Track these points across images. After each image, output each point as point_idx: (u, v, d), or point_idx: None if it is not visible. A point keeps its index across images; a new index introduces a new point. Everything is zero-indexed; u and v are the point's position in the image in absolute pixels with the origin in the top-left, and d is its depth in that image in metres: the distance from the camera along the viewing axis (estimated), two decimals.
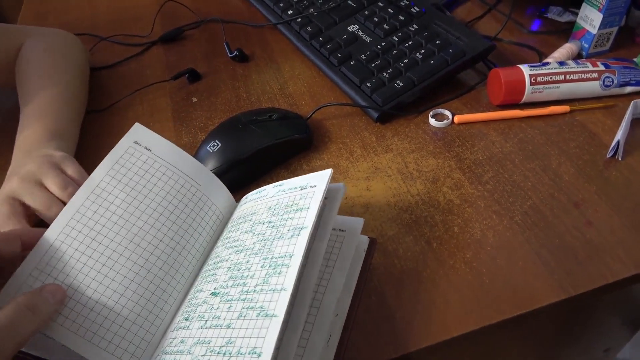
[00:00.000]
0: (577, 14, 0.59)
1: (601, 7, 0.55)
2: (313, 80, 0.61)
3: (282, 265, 0.32)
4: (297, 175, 0.43)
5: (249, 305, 0.31)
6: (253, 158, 0.48)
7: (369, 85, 0.55)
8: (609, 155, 0.47)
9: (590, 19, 0.57)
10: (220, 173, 0.45)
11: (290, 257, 0.32)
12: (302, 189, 0.37)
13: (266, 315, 0.30)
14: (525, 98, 0.52)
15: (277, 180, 0.49)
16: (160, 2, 0.79)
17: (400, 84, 0.54)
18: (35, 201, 0.42)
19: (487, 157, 0.49)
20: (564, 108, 0.52)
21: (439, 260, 0.41)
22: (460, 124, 0.53)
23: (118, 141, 0.40)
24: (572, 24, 0.61)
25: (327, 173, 0.37)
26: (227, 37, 0.70)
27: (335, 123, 0.55)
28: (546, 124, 0.52)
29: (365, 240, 0.40)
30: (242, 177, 0.48)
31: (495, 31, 0.64)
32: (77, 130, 0.53)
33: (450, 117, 0.53)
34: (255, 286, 0.32)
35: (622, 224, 0.42)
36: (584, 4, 0.57)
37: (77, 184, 0.42)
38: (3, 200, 0.42)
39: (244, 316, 0.31)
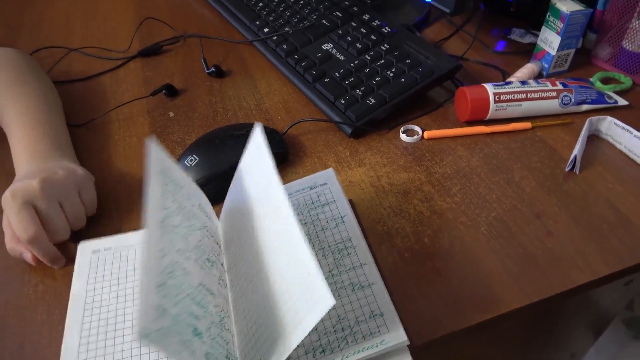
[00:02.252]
0: (538, 36, 0.63)
1: (559, 30, 0.59)
2: (289, 96, 0.63)
3: (346, 248, 0.41)
4: None
5: (333, 288, 0.38)
6: (230, 172, 0.49)
7: (342, 101, 0.57)
8: (567, 169, 0.50)
9: (550, 41, 0.60)
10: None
11: (350, 239, 0.41)
12: (312, 189, 0.46)
13: (362, 287, 0.38)
14: (490, 115, 0.55)
15: None
16: (140, 18, 0.80)
17: (373, 100, 0.56)
18: (50, 217, 0.43)
19: (455, 171, 0.51)
20: (526, 125, 0.55)
21: (410, 270, 0.42)
22: (429, 139, 0.55)
23: (97, 158, 0.41)
24: (533, 45, 0.65)
25: (330, 171, 0.46)
26: (205, 53, 0.71)
27: (310, 138, 0.57)
28: (510, 140, 0.55)
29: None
30: (219, 190, 0.49)
31: (462, 51, 0.67)
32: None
33: (420, 132, 0.56)
34: (330, 271, 0.39)
35: (580, 234, 0.45)
36: (543, 27, 0.61)
37: (87, 212, 0.46)
38: (22, 204, 0.41)
39: (338, 295, 0.37)
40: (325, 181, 0.46)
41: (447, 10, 0.57)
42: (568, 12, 0.57)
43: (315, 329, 0.36)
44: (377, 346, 0.34)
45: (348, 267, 0.40)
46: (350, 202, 0.48)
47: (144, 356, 0.36)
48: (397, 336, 0.35)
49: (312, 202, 0.45)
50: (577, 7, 0.57)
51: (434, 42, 0.71)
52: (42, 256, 0.42)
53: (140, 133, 0.59)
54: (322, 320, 0.36)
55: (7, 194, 0.42)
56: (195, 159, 0.49)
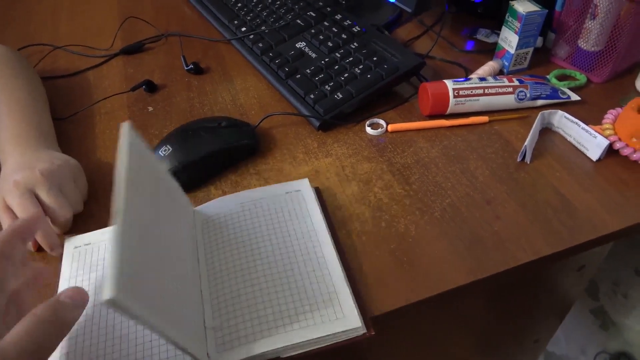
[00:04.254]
0: None
1: (517, 30, 0.62)
2: (263, 92, 0.66)
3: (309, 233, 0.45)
4: (245, 178, 0.52)
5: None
6: (202, 161, 0.52)
7: (312, 96, 0.60)
8: (519, 159, 0.54)
9: (509, 40, 0.64)
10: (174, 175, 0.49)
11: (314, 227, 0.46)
12: (287, 193, 0.49)
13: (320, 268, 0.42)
14: (450, 109, 0.58)
15: (225, 183, 0.53)
16: (124, 17, 0.83)
17: (341, 95, 0.59)
18: (51, 201, 0.45)
19: (415, 161, 0.55)
20: (484, 118, 0.58)
21: (366, 251, 0.45)
22: (393, 132, 0.59)
23: (77, 150, 0.44)
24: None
25: (305, 181, 0.50)
26: (185, 51, 0.74)
27: (281, 131, 0.60)
28: (468, 132, 0.58)
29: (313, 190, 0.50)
30: (192, 179, 0.52)
31: (431, 50, 0.71)
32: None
33: (385, 126, 0.59)
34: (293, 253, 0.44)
35: (526, 218, 0.48)
36: (503, 27, 0.64)
37: (82, 198, 0.50)
38: (24, 190, 0.44)
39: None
40: (300, 188, 0.50)
41: (409, 10, 0.60)
42: (524, 13, 0.60)
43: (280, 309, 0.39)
44: (330, 332, 0.38)
45: (310, 250, 0.43)
46: (317, 189, 0.51)
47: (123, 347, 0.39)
48: (351, 322, 0.38)
49: (285, 208, 0.48)
50: (533, 7, 0.61)
51: (404, 41, 0.75)
52: (42, 238, 0.45)
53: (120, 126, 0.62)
54: (282, 300, 0.40)
55: (10, 183, 0.45)
56: (169, 149, 0.52)
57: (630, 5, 0.57)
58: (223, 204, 0.48)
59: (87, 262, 0.45)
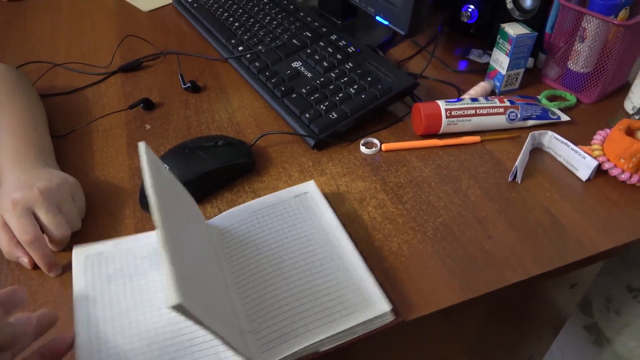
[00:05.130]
0: None
1: (508, 52, 0.63)
2: (259, 110, 0.67)
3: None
4: (240, 196, 0.54)
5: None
6: (199, 180, 0.53)
7: (307, 116, 0.61)
8: (510, 179, 0.55)
9: (500, 61, 0.65)
10: None
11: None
12: (296, 197, 0.51)
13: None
14: (442, 129, 0.60)
15: (221, 201, 0.54)
16: (122, 35, 0.84)
17: (335, 115, 0.60)
18: (49, 220, 0.46)
19: (408, 180, 0.56)
20: (476, 138, 0.60)
21: None
22: (387, 151, 0.60)
23: (76, 168, 0.45)
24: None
25: (311, 182, 0.52)
26: (183, 69, 0.76)
27: (277, 149, 0.61)
28: (460, 152, 0.59)
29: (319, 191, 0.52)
30: None
31: (425, 70, 0.72)
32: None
33: (379, 145, 0.60)
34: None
35: (516, 238, 0.49)
36: (495, 49, 0.66)
37: (80, 216, 0.50)
38: (22, 210, 0.45)
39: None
40: (306, 190, 0.52)
41: (403, 32, 0.61)
42: (515, 35, 0.62)
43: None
44: (364, 319, 0.40)
45: (328, 246, 0.46)
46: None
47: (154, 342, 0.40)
48: (381, 307, 0.40)
49: (295, 210, 0.50)
50: (524, 30, 0.62)
51: (398, 61, 0.76)
52: (40, 259, 0.45)
53: (118, 144, 0.62)
54: (312, 297, 0.42)
55: (8, 202, 0.45)
56: (166, 168, 0.52)
57: (617, 29, 0.58)
58: (235, 215, 0.50)
59: (104, 272, 0.45)
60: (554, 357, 1.02)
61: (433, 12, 0.88)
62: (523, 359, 0.77)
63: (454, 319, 0.57)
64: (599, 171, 0.54)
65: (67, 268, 0.47)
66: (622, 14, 0.57)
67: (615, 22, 0.57)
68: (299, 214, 0.49)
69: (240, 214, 0.50)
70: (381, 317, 0.40)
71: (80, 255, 0.47)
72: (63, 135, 0.64)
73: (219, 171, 0.54)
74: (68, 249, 0.49)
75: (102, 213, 0.53)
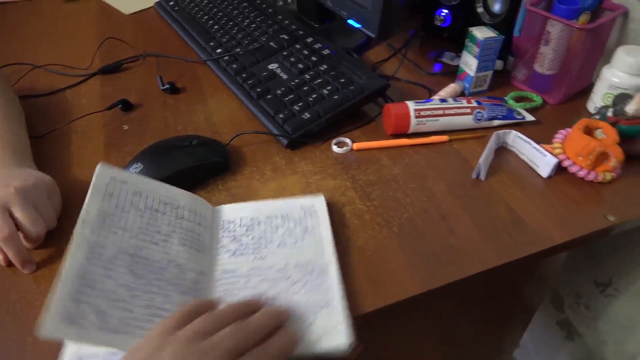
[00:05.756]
0: None
1: (476, 54, 0.66)
2: (236, 111, 0.69)
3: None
4: (214, 195, 0.55)
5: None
6: (172, 178, 0.54)
7: (281, 116, 0.63)
8: (474, 176, 0.57)
9: (469, 64, 0.68)
10: None
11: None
12: (302, 207, 0.52)
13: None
14: (412, 129, 0.62)
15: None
16: (103, 38, 0.85)
17: (308, 115, 0.62)
18: (25, 218, 0.47)
19: (377, 178, 0.57)
20: (444, 138, 0.62)
21: None
22: (358, 150, 0.61)
23: (53, 167, 0.46)
24: None
25: (320, 197, 0.53)
26: (162, 71, 0.77)
27: (251, 149, 0.62)
28: (428, 151, 0.61)
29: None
30: None
31: (398, 72, 0.74)
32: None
33: (350, 144, 0.62)
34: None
35: (477, 232, 0.51)
36: (464, 51, 0.68)
37: (56, 214, 0.51)
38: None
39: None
40: (313, 203, 0.52)
41: (373, 35, 0.63)
42: (482, 39, 0.64)
43: None
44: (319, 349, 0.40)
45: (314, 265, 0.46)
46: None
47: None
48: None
49: (300, 220, 0.51)
50: (491, 34, 0.65)
51: (373, 64, 0.78)
52: (14, 256, 0.46)
53: (95, 144, 0.64)
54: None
55: None
56: (140, 167, 0.54)
57: (579, 33, 0.61)
58: (242, 209, 0.52)
59: (128, 201, 0.46)
60: (529, 352, 1.04)
61: (409, 16, 0.90)
62: (495, 352, 0.79)
63: (422, 315, 0.59)
64: (560, 168, 0.57)
65: (41, 265, 0.49)
66: (583, 18, 0.60)
67: (577, 26, 0.60)
68: (299, 225, 0.50)
69: (246, 210, 0.52)
70: (339, 350, 0.40)
71: (105, 173, 0.47)
72: (42, 136, 0.65)
73: (192, 169, 0.56)
74: (43, 246, 0.50)
75: (78, 211, 0.54)
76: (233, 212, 0.52)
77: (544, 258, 0.50)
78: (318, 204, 0.52)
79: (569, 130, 0.59)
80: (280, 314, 0.40)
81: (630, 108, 0.55)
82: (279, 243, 0.48)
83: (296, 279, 0.45)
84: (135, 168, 0.54)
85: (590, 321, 0.86)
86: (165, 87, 0.72)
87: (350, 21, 0.66)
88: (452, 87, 0.68)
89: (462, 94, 0.70)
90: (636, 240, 0.72)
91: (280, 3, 0.95)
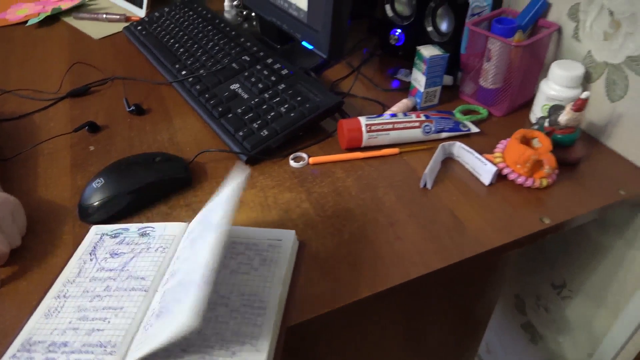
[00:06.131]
0: None
1: (424, 71, 0.70)
2: (199, 130, 0.72)
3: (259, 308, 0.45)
4: (175, 210, 0.58)
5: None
6: (133, 193, 0.57)
7: (241, 134, 0.66)
8: (421, 186, 0.60)
9: (419, 80, 0.72)
10: (101, 206, 0.54)
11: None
12: (268, 240, 0.51)
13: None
14: (364, 143, 0.65)
15: (157, 215, 0.58)
16: (72, 62, 0.88)
17: (266, 132, 0.65)
18: None
19: (331, 190, 0.61)
20: (394, 150, 0.65)
21: None
22: (314, 164, 0.65)
23: (19, 188, 0.49)
24: None
25: (291, 233, 0.52)
26: (130, 94, 0.80)
27: (213, 166, 0.65)
28: (380, 163, 0.65)
29: (296, 245, 0.52)
30: (123, 209, 0.57)
31: (355, 89, 0.78)
32: None
33: (307, 159, 0.65)
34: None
35: (422, 238, 0.54)
36: (413, 68, 0.72)
37: (21, 234, 0.54)
38: None
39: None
40: (281, 238, 0.52)
41: (325, 56, 0.67)
42: (428, 57, 0.68)
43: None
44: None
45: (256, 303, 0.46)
46: (301, 243, 0.53)
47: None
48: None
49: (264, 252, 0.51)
50: (437, 52, 0.69)
51: (332, 82, 0.82)
52: None
53: (62, 165, 0.66)
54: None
55: None
56: (102, 181, 0.57)
57: (517, 49, 0.65)
58: None
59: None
60: (498, 357, 1.07)
61: (367, 36, 0.95)
62: (458, 352, 0.82)
63: (375, 320, 0.62)
64: (501, 176, 0.60)
65: (5, 282, 0.51)
66: (517, 36, 0.64)
67: (513, 44, 0.64)
68: (259, 258, 0.50)
69: None
70: None
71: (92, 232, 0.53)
72: (9, 159, 0.67)
73: (154, 185, 0.58)
74: (7, 264, 0.52)
75: (42, 230, 0.57)
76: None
77: (483, 260, 0.53)
78: (286, 239, 0.52)
79: (509, 140, 0.63)
80: None
81: (562, 118, 0.60)
82: (232, 270, 0.49)
83: (235, 308, 0.45)
84: (97, 183, 0.57)
85: (550, 323, 0.90)
86: (131, 108, 0.75)
87: (304, 43, 0.70)
88: (404, 103, 0.72)
89: (414, 109, 0.74)
90: (586, 241, 0.76)
91: (246, 26, 0.99)
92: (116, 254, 0.51)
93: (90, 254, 0.51)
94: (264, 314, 0.45)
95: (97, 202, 0.55)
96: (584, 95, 0.57)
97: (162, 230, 0.53)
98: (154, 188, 0.59)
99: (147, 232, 0.53)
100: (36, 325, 0.45)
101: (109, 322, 0.44)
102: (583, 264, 0.78)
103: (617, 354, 0.77)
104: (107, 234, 0.53)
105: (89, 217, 0.56)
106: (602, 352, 0.79)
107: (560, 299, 0.85)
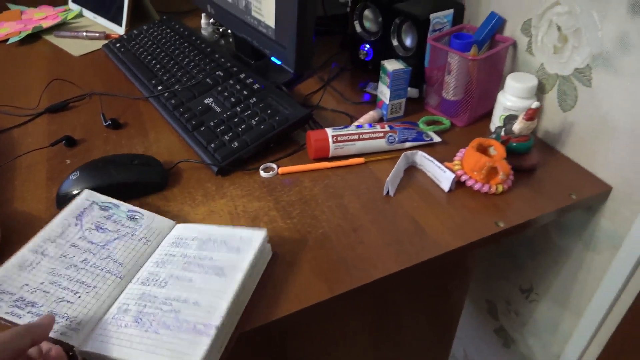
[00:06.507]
0: None
1: (388, 84, 0.73)
2: (173, 143, 0.74)
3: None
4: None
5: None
6: (104, 189, 0.60)
7: (212, 145, 0.68)
8: (384, 193, 0.63)
9: (384, 93, 0.75)
10: (75, 196, 0.59)
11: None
12: (241, 238, 0.52)
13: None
14: (331, 153, 0.68)
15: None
16: (52, 79, 0.90)
17: (237, 144, 0.68)
18: None
19: (299, 198, 0.63)
20: (360, 160, 0.68)
21: None
22: (283, 174, 0.67)
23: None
24: None
25: (260, 234, 0.52)
26: (107, 109, 0.82)
27: (185, 177, 0.67)
28: (346, 172, 0.67)
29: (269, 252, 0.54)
30: None
31: (327, 102, 0.81)
32: None
33: (276, 169, 0.68)
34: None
35: (383, 242, 0.57)
36: (379, 82, 0.76)
37: None
38: None
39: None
40: (251, 237, 0.52)
41: (291, 71, 0.70)
42: (391, 70, 0.72)
43: None
44: None
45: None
46: (275, 254, 0.55)
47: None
48: None
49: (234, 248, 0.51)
50: (399, 66, 0.72)
51: (304, 95, 0.85)
52: None
53: (38, 178, 0.68)
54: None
55: None
56: (77, 174, 0.61)
57: (474, 63, 0.69)
58: (194, 230, 0.55)
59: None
60: None
61: (340, 51, 0.98)
62: (431, 355, 0.84)
63: (344, 323, 0.64)
64: (460, 183, 0.63)
65: None
66: (472, 50, 0.68)
67: (469, 57, 0.68)
68: (226, 252, 0.51)
69: (195, 232, 0.54)
70: None
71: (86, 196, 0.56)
72: None
73: (126, 185, 0.62)
74: None
75: (18, 240, 0.58)
76: (185, 231, 0.55)
77: (441, 262, 0.56)
78: (256, 237, 0.52)
79: (467, 148, 0.66)
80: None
81: (515, 127, 0.63)
82: (201, 262, 0.50)
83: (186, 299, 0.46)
84: (74, 175, 0.61)
85: (520, 327, 0.92)
86: (107, 123, 0.77)
87: (273, 58, 0.73)
88: (370, 115, 0.76)
89: (381, 120, 0.77)
90: (549, 246, 0.79)
91: (222, 43, 1.03)
92: (101, 228, 0.53)
93: (76, 217, 0.53)
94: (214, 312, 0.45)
95: (74, 192, 0.60)
96: (534, 105, 0.60)
97: (150, 220, 0.56)
98: (127, 189, 0.62)
99: (136, 217, 0.55)
100: (8, 274, 0.46)
101: (79, 297, 0.46)
102: (547, 268, 0.81)
103: (582, 355, 0.79)
104: (97, 203, 0.56)
105: (63, 205, 0.59)
106: (569, 353, 0.82)
107: (528, 302, 0.88)
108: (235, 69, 0.83)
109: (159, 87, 0.82)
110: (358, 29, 0.87)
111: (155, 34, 0.97)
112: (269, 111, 0.72)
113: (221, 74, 0.82)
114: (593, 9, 0.59)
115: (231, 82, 0.80)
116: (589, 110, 0.64)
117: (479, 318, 1.04)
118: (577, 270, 0.75)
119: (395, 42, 0.81)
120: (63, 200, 0.60)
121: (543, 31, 0.67)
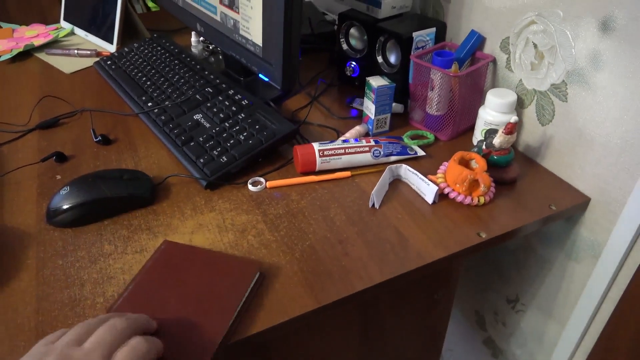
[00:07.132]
0: None
1: (373, 100, 0.75)
2: (163, 158, 0.75)
3: None
4: (136, 234, 0.61)
5: None
6: (93, 203, 0.61)
7: (202, 160, 0.70)
8: (370, 205, 0.65)
9: (370, 108, 0.77)
10: (65, 210, 0.61)
11: None
12: None
13: None
14: (318, 167, 0.69)
15: (119, 240, 0.61)
16: (41, 96, 0.92)
17: (225, 159, 0.69)
18: None
19: (286, 211, 0.64)
20: (346, 174, 0.70)
21: None
22: (271, 188, 0.69)
23: None
24: None
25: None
26: (98, 125, 0.83)
27: (175, 191, 0.69)
28: (333, 186, 0.69)
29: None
30: (83, 217, 0.62)
31: (314, 117, 0.83)
32: None
33: (264, 183, 0.69)
34: None
35: (368, 253, 0.58)
36: (365, 97, 0.78)
37: None
38: None
39: None
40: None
41: (279, 87, 0.72)
42: (376, 87, 0.74)
43: None
44: None
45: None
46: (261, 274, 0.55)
47: None
48: None
49: None
50: (384, 82, 0.75)
51: (293, 111, 0.87)
52: None
53: (28, 194, 0.69)
54: None
55: None
56: (67, 189, 0.62)
57: (455, 79, 0.71)
58: None
59: None
60: None
61: (328, 68, 1.00)
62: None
63: (332, 333, 0.65)
64: (443, 195, 0.65)
65: None
66: (453, 67, 0.70)
67: (450, 74, 0.70)
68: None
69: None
70: None
71: None
72: None
73: (114, 200, 0.63)
74: None
75: (5, 254, 0.59)
76: None
77: (423, 273, 0.57)
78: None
79: (449, 162, 0.68)
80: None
81: (496, 141, 0.65)
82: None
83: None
84: (64, 190, 0.62)
85: (508, 337, 0.93)
86: (98, 139, 0.78)
87: (260, 75, 0.75)
88: (356, 129, 0.77)
89: (366, 135, 0.79)
90: (533, 256, 0.81)
91: (212, 60, 1.05)
92: None
93: None
94: None
95: (65, 207, 0.61)
96: (513, 119, 0.62)
97: None
98: (116, 203, 0.63)
99: None
100: None
101: None
102: (532, 278, 0.83)
103: None
104: None
105: (53, 219, 0.62)
106: None
107: (515, 312, 0.89)
108: (224, 86, 0.85)
109: (149, 104, 0.84)
110: (344, 46, 0.90)
111: (146, 51, 0.99)
112: (257, 126, 0.74)
113: (210, 90, 0.84)
114: (566, 27, 0.62)
115: (220, 98, 0.82)
116: (565, 124, 0.66)
117: (467, 329, 1.05)
118: (559, 280, 0.77)
119: (380, 59, 0.83)
120: (53, 214, 0.61)
121: (520, 48, 0.69)
